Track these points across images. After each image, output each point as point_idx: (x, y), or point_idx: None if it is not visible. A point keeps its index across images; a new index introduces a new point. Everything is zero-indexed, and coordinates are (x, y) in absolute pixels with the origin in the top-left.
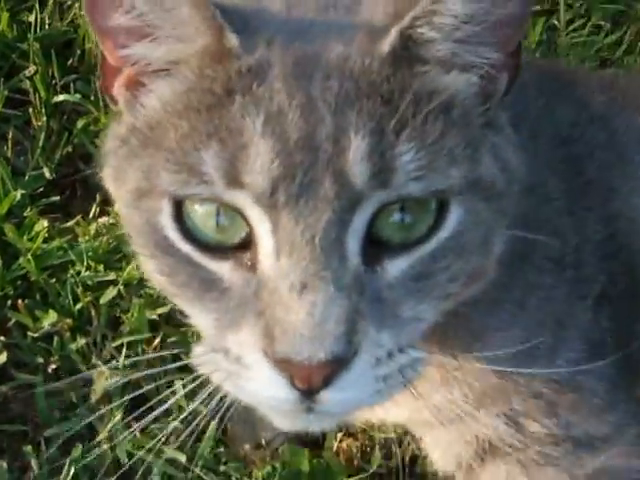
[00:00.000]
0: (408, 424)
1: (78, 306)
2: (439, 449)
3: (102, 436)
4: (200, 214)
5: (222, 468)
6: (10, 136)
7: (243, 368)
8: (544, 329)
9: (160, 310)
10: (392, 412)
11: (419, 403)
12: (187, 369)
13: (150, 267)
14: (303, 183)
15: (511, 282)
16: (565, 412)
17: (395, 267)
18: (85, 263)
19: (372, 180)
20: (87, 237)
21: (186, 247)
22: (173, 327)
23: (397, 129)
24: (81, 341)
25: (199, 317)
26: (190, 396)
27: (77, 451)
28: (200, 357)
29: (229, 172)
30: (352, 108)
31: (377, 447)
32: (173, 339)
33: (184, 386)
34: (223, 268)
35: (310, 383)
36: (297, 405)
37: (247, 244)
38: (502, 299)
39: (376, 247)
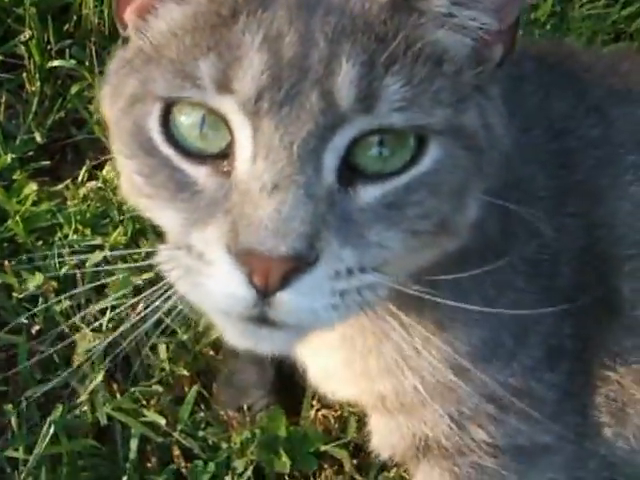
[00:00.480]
0: (359, 403)
1: (64, 269)
2: (378, 435)
3: (83, 397)
4: (185, 122)
5: (201, 433)
6: (3, 100)
7: (204, 264)
8: (507, 332)
9: (145, 275)
10: (343, 389)
11: (368, 385)
12: (170, 333)
13: (130, 168)
14: (289, 94)
15: (484, 277)
16: (514, 418)
17: (368, 194)
18: (73, 227)
19: (357, 104)
20: (75, 201)
21: (168, 150)
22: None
23: (386, 64)
24: (65, 303)
25: (168, 218)
26: (173, 360)
27: (57, 412)
28: (162, 256)
29: (220, 79)
30: (347, 40)
31: (352, 418)
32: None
33: (167, 349)
34: (199, 172)
35: (268, 279)
36: (251, 308)
37: (226, 155)
38: (473, 294)
39: (352, 172)
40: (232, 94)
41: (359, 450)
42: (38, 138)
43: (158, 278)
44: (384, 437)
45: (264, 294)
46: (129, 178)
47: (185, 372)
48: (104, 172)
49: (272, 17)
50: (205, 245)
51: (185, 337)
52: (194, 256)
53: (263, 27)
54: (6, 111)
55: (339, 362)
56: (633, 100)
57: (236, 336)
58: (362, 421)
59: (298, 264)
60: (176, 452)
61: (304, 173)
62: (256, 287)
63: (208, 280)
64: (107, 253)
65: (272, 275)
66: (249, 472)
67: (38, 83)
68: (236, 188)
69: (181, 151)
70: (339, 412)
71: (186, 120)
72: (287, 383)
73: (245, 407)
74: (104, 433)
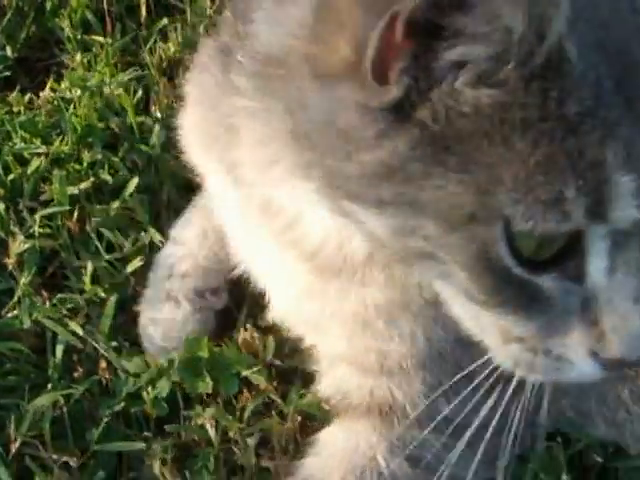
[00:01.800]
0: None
1: (10, 177)
2: (333, 379)
3: (13, 301)
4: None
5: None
6: None
7: (562, 363)
8: None
9: (83, 185)
10: (329, 340)
11: (363, 342)
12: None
13: (459, 277)
14: None
15: None
16: None
17: None
18: (20, 135)
19: None
20: (27, 110)
21: (517, 269)
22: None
23: None
24: (1, 206)
25: (516, 325)
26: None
27: None
28: (504, 357)
29: (591, 207)
30: None
31: (271, 337)
32: (97, 218)
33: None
34: (545, 281)
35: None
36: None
37: (566, 252)
38: None
39: None
40: (605, 223)
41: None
42: (9, 52)
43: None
44: (341, 384)
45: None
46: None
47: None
48: (61, 85)
49: (614, 115)
50: (565, 349)
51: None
52: (551, 358)
53: (618, 139)
54: None
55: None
56: None
57: None
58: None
59: None
60: (103, 365)
61: None
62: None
63: (563, 373)
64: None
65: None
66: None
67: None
68: (595, 298)
69: (519, 261)
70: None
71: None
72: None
73: None
74: (35, 339)
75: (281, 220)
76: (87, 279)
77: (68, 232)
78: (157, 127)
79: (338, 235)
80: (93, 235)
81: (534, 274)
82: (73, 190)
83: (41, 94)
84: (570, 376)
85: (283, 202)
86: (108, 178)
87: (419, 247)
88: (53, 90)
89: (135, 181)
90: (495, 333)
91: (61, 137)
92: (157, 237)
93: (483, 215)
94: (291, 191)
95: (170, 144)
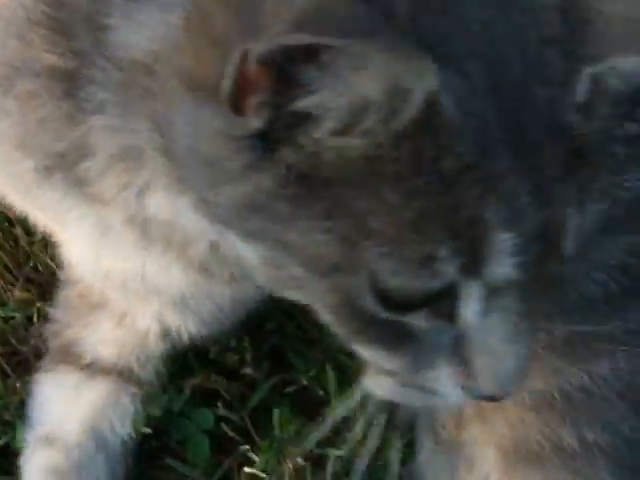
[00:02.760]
0: None
1: None
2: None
3: None
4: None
5: None
6: None
7: (434, 396)
8: None
9: None
10: None
11: None
12: None
13: (323, 313)
14: (536, 275)
15: None
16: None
17: None
18: None
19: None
20: None
21: (385, 314)
22: None
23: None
24: None
25: (384, 360)
26: None
27: None
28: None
29: (465, 264)
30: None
31: None
32: None
33: None
34: (416, 319)
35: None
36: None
37: (438, 294)
38: None
39: None
40: (479, 279)
41: None
42: None
43: None
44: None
45: None
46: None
47: None
48: None
49: (499, 172)
50: (436, 383)
51: None
52: (423, 391)
53: (500, 195)
54: None
55: None
56: None
57: None
58: None
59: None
60: None
61: (528, 332)
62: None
63: (435, 402)
64: None
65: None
66: None
67: None
68: (468, 337)
69: (387, 306)
70: None
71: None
72: None
73: None
74: None
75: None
76: None
77: None
78: None
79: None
80: None
81: (403, 315)
82: None
83: None
84: (442, 405)
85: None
86: None
87: (288, 282)
88: None
89: None
90: (366, 363)
91: None
92: None
93: (348, 267)
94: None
95: None
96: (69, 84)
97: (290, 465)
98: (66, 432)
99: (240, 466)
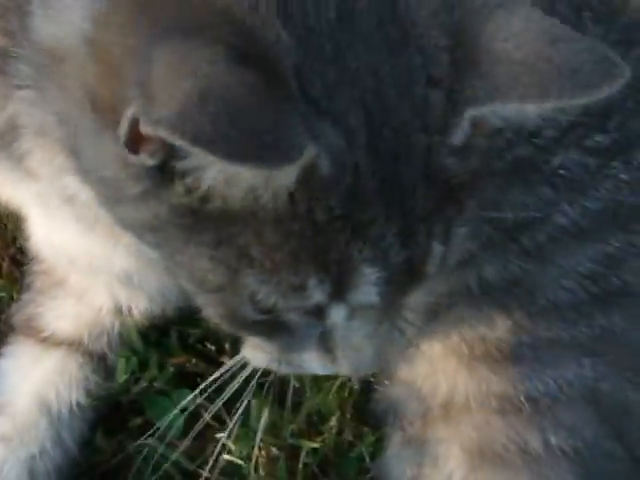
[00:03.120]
0: None
1: None
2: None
3: None
4: None
5: None
6: None
7: (301, 369)
8: None
9: None
10: None
11: None
12: None
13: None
14: (394, 299)
15: None
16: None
17: None
18: None
19: None
20: None
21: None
22: None
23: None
24: None
25: (260, 343)
26: None
27: None
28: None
29: (332, 292)
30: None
31: None
32: None
33: None
34: (291, 316)
35: None
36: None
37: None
38: None
39: None
40: (345, 303)
41: None
42: None
43: None
44: None
45: None
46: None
47: None
48: None
49: (371, 223)
50: (304, 362)
51: None
52: (292, 365)
53: (367, 239)
54: None
55: None
56: None
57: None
58: None
59: None
60: None
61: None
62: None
63: (300, 372)
64: None
65: None
66: None
67: None
68: (334, 334)
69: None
70: None
71: None
72: None
73: None
74: None
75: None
76: None
77: None
78: None
79: None
80: None
81: (279, 315)
82: None
83: None
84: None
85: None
86: None
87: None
88: None
89: None
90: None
91: None
92: None
93: (231, 288)
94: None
95: None
96: (2, 60)
97: (264, 454)
98: (15, 400)
99: (217, 454)
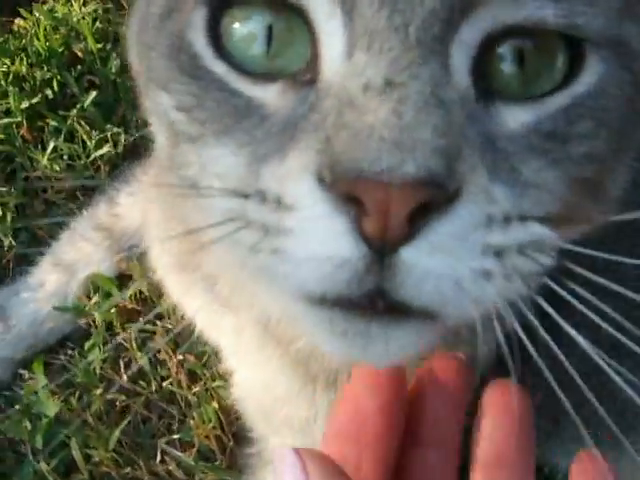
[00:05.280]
0: None
1: None
2: None
3: None
4: (242, 32)
5: None
6: None
7: (283, 213)
8: None
9: (34, 100)
10: None
11: None
12: None
13: (168, 104)
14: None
15: None
16: None
17: (516, 117)
18: None
19: None
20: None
21: (219, 68)
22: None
23: None
24: None
25: (225, 160)
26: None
27: None
28: (214, 216)
29: None
30: None
31: None
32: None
33: None
34: (267, 92)
35: (387, 223)
36: (359, 282)
37: (307, 68)
38: None
39: (489, 91)
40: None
41: None
42: None
43: None
44: None
45: (380, 252)
46: (166, 123)
47: None
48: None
49: None
50: (283, 182)
51: None
52: (269, 207)
53: None
54: None
55: None
56: None
57: (331, 340)
58: None
59: (433, 195)
60: None
61: (428, 65)
62: (368, 240)
63: (289, 241)
64: None
65: (394, 215)
66: None
67: None
68: (327, 95)
69: (238, 68)
70: None
71: (242, 29)
72: None
73: None
74: None
75: None
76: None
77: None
78: (114, 54)
79: None
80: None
81: (252, 83)
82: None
83: (16, 21)
84: (300, 252)
85: None
86: (49, 93)
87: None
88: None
89: (93, 94)
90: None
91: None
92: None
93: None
94: None
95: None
96: None
97: None
98: None
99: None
